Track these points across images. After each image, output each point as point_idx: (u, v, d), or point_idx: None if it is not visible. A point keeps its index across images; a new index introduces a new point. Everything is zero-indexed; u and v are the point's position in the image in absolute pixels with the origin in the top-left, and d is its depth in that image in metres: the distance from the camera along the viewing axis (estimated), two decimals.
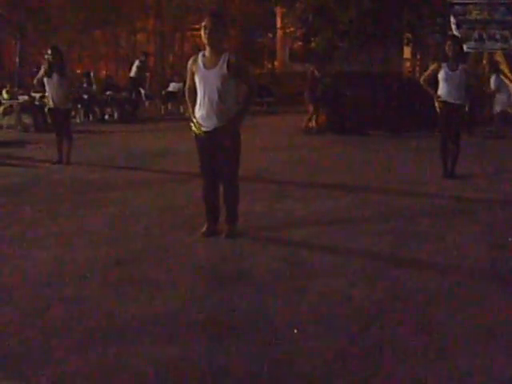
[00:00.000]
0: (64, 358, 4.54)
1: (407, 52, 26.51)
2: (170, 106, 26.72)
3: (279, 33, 35.56)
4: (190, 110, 7.49)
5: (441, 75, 11.11)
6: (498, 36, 20.12)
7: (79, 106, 22.46)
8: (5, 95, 20.87)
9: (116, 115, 23.67)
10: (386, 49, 23.38)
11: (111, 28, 35.59)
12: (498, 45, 20.27)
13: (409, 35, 23.12)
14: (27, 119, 20.53)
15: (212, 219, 7.72)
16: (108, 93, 23.47)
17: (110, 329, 5.05)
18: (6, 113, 20.45)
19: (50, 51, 13.19)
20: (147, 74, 26.43)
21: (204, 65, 7.23)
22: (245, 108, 7.45)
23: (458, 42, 11.71)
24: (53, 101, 13.06)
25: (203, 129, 7.26)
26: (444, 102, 11.07)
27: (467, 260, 6.83)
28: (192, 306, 5.51)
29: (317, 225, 8.31)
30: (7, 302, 5.64)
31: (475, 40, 20.16)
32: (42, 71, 13.30)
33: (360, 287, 5.98)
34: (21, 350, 4.68)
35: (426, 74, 11.50)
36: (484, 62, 19.45)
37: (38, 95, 18.88)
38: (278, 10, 32.36)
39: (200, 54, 7.33)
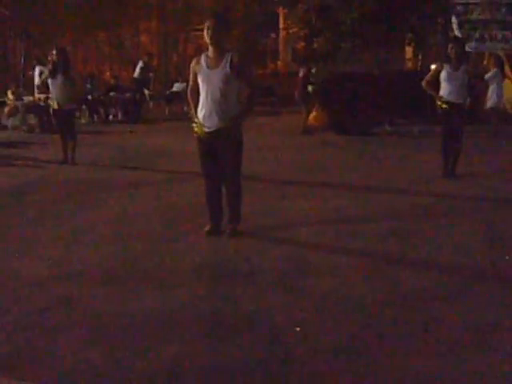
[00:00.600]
0: (67, 357, 4.56)
1: (409, 52, 26.48)
2: (173, 107, 26.70)
3: (282, 33, 35.63)
4: (193, 110, 7.49)
5: (443, 75, 11.11)
6: (499, 36, 20.11)
7: (84, 106, 22.47)
8: (10, 96, 20.87)
9: (120, 116, 23.68)
10: (388, 49, 23.35)
11: (115, 29, 35.59)
12: (500, 45, 20.26)
13: (411, 35, 23.09)
14: (32, 120, 20.53)
15: (215, 219, 7.73)
16: (112, 93, 23.48)
17: (113, 328, 5.07)
18: (11, 113, 20.44)
19: (55, 52, 13.19)
20: (151, 75, 26.39)
21: (207, 65, 7.24)
22: (247, 108, 7.46)
23: (460, 42, 11.71)
24: (57, 101, 13.06)
25: (205, 129, 7.26)
26: (446, 102, 11.06)
27: (468, 259, 6.83)
28: (195, 305, 5.52)
29: (319, 224, 8.32)
30: (12, 301, 5.65)
31: (476, 40, 20.16)
32: (45, 73, 13.30)
33: (361, 286, 5.99)
34: (24, 349, 4.69)
35: (428, 75, 11.47)
36: (485, 62, 19.41)
37: (42, 96, 18.87)
38: (281, 11, 32.42)
39: (203, 55, 7.35)
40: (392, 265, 6.71)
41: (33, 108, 20.28)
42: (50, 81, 13.09)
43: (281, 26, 35.07)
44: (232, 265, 6.66)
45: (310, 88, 19.86)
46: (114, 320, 5.22)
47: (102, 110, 23.41)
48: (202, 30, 7.30)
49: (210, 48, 7.24)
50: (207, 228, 7.68)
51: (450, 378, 4.27)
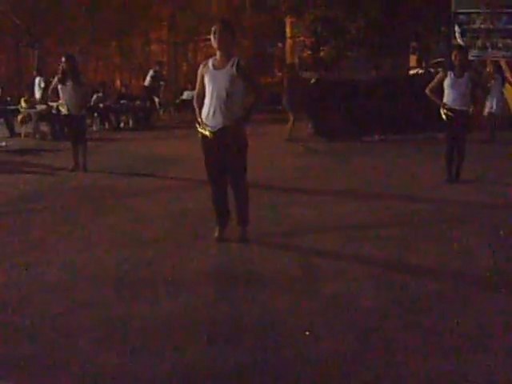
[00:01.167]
0: (82, 360, 4.55)
1: (413, 60, 26.50)
2: (183, 114, 26.70)
3: (289, 42, 35.64)
4: (197, 112, 7.47)
5: (446, 82, 11.10)
6: (500, 44, 20.12)
7: (95, 114, 22.51)
8: (23, 104, 20.92)
9: (131, 123, 23.71)
10: (392, 57, 23.39)
11: (126, 39, 35.68)
12: (501, 53, 20.26)
13: (415, 44, 23.13)
14: (44, 127, 20.56)
15: (223, 223, 7.71)
16: (123, 101, 23.51)
17: (127, 331, 5.05)
18: (24, 121, 20.48)
19: (64, 59, 13.23)
20: (161, 83, 26.46)
21: (214, 66, 7.26)
22: (251, 109, 7.44)
23: (463, 50, 11.70)
24: (67, 108, 13.08)
25: (209, 129, 7.24)
26: (449, 109, 11.05)
27: (473, 264, 6.80)
28: (205, 309, 5.51)
29: (325, 230, 8.30)
30: (28, 306, 5.65)
31: (479, 48, 20.17)
32: (55, 80, 13.33)
33: (368, 291, 5.96)
34: (41, 353, 4.68)
35: (433, 83, 11.46)
36: (487, 69, 19.39)
37: (54, 104, 18.92)
38: (288, 20, 32.43)
39: (211, 59, 7.38)
40: (397, 270, 6.68)
41: (45, 116, 20.31)
42: (60, 87, 13.11)
43: (288, 34, 35.07)
44: (241, 270, 6.65)
45: None
46: (128, 323, 5.21)
47: (113, 118, 23.42)
48: (211, 40, 7.31)
49: (218, 52, 7.25)
50: (216, 233, 7.66)
51: (456, 382, 4.25)
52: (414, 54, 24.64)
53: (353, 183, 11.59)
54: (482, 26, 20.17)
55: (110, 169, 13.49)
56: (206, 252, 7.25)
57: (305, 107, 19.71)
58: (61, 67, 13.22)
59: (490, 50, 20.30)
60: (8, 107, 21.61)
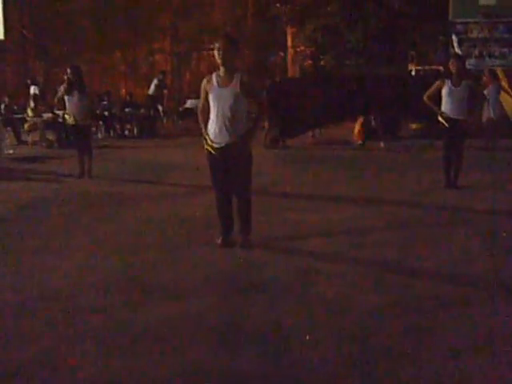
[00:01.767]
0: (86, 365, 4.54)
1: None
2: (186, 122, 26.71)
3: (290, 51, 35.63)
4: (203, 128, 7.49)
5: (444, 91, 11.11)
6: (497, 53, 20.14)
7: (100, 122, 22.52)
8: (29, 113, 20.93)
9: (135, 131, 23.71)
10: (391, 66, 23.42)
11: (131, 49, 35.73)
12: (498, 62, 20.28)
13: (413, 53, 23.16)
14: (51, 136, 20.57)
15: (226, 231, 7.72)
16: (128, 110, 23.52)
17: (127, 337, 5.04)
18: (30, 129, 20.48)
19: (69, 70, 13.24)
20: (165, 92, 26.48)
21: (218, 83, 7.26)
22: (256, 125, 7.47)
23: (460, 59, 11.69)
24: (74, 117, 13.08)
25: (215, 145, 7.27)
26: (447, 117, 11.05)
27: (471, 268, 6.80)
28: (208, 315, 5.50)
29: (325, 235, 8.29)
30: (30, 312, 5.64)
31: (476, 57, 20.19)
32: (61, 90, 13.34)
33: (367, 295, 5.96)
34: (40, 358, 4.67)
35: (430, 90, 11.46)
36: (484, 78, 19.39)
37: (61, 112, 18.93)
38: (289, 30, 32.44)
39: (214, 74, 7.37)
40: (397, 274, 6.67)
41: (51, 124, 20.33)
42: (66, 98, 13.11)
43: (289, 44, 35.10)
44: (243, 275, 6.64)
45: None
46: (131, 328, 5.20)
47: (117, 126, 23.42)
48: (213, 49, 7.31)
49: (221, 68, 7.26)
50: (219, 240, 7.66)
51: None
52: (412, 62, 24.66)
53: (351, 189, 11.58)
54: (479, 35, 20.20)
55: (115, 176, 13.49)
56: (209, 258, 7.25)
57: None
58: (66, 78, 13.23)
59: (487, 58, 20.32)
60: (15, 116, 21.62)
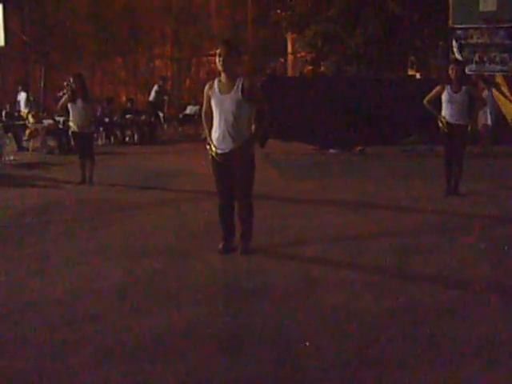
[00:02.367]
0: (85, 372, 4.55)
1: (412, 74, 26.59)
2: (187, 128, 26.72)
3: (290, 57, 35.68)
4: (207, 133, 7.53)
5: (444, 97, 11.12)
6: (497, 59, 20.16)
7: (101, 128, 22.52)
8: (30, 119, 20.93)
9: (136, 137, 23.70)
10: (391, 71, 23.44)
11: (131, 55, 35.75)
12: (498, 67, 20.30)
13: (413, 58, 23.19)
14: (52, 142, 20.59)
15: (228, 236, 7.74)
16: (128, 116, 23.53)
17: (130, 343, 5.06)
18: (31, 136, 20.48)
19: (72, 79, 13.30)
20: (165, 98, 26.49)
21: (220, 90, 7.30)
22: (257, 131, 7.50)
23: (460, 65, 11.71)
24: (76, 125, 13.12)
25: (219, 151, 7.31)
26: (447, 123, 11.07)
27: (471, 274, 6.82)
28: (208, 321, 5.52)
29: (326, 241, 8.31)
30: (29, 319, 5.66)
31: (476, 63, 20.21)
32: (65, 97, 13.39)
33: (368, 301, 5.97)
34: (40, 365, 4.69)
35: (430, 95, 11.48)
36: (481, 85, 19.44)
37: (61, 119, 18.93)
38: (289, 36, 32.48)
39: (216, 80, 7.41)
40: (397, 280, 6.70)
41: (52, 131, 20.35)
42: (69, 105, 13.15)
43: (289, 50, 35.12)
44: (244, 281, 6.65)
45: None
46: (131, 335, 5.21)
47: (118, 132, 23.43)
48: (214, 55, 7.35)
49: (222, 74, 7.30)
50: (220, 246, 7.68)
51: None
52: (412, 68, 24.69)
53: (352, 195, 11.60)
54: (480, 40, 20.21)
55: (116, 182, 13.50)
56: (210, 264, 7.27)
57: None
58: (70, 86, 13.27)
59: (487, 64, 20.33)
60: (16, 122, 21.63)
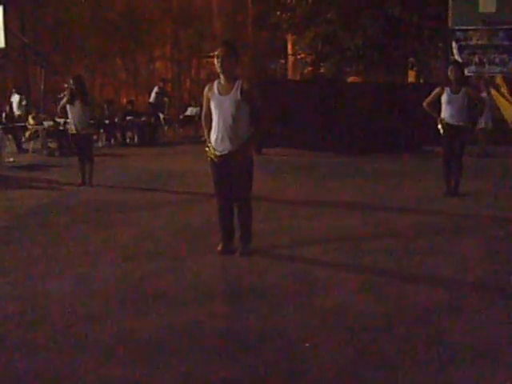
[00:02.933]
0: (88, 372, 4.57)
1: (412, 75, 26.57)
2: (187, 130, 26.71)
3: (290, 59, 35.67)
4: (206, 135, 7.55)
5: (444, 98, 11.14)
6: (497, 60, 20.18)
7: (101, 130, 22.53)
8: (31, 121, 20.94)
9: (136, 139, 23.69)
10: (391, 73, 23.46)
11: (131, 56, 35.75)
12: (498, 68, 20.33)
13: (412, 60, 23.20)
14: (52, 144, 20.61)
15: (227, 238, 7.75)
16: (128, 118, 23.52)
17: (131, 344, 5.06)
18: (31, 137, 20.50)
19: (72, 81, 13.32)
20: (165, 100, 26.46)
21: (219, 92, 7.31)
22: (255, 134, 7.52)
23: (459, 66, 11.72)
24: (75, 127, 13.14)
25: (217, 153, 7.32)
26: (447, 124, 11.08)
27: (471, 274, 6.83)
28: (206, 322, 5.52)
29: (326, 242, 8.32)
30: (30, 320, 5.66)
31: (476, 64, 20.23)
32: (64, 99, 13.41)
33: (367, 303, 5.98)
34: (43, 365, 4.70)
35: (430, 97, 11.49)
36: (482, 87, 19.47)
37: (62, 120, 18.94)
38: (289, 38, 32.47)
39: (215, 82, 7.42)
40: (397, 281, 6.71)
41: (53, 132, 20.37)
42: (68, 107, 13.18)
43: (289, 51, 35.12)
44: (243, 282, 6.68)
45: None
46: (132, 337, 5.23)
47: (118, 134, 23.42)
48: (213, 57, 7.35)
49: (221, 76, 7.31)
50: (219, 247, 7.70)
51: None
52: (412, 69, 24.70)
53: (351, 196, 11.61)
54: (479, 42, 20.23)
55: (116, 184, 13.51)
56: (209, 265, 7.28)
57: None
58: (69, 88, 13.31)
59: (487, 65, 20.35)
60: (16, 124, 21.64)
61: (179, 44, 36.19)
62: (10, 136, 20.71)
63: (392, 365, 4.62)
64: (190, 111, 26.91)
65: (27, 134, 20.78)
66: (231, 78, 7.29)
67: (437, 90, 11.41)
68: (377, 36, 20.75)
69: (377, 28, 20.69)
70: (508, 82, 20.94)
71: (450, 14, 20.43)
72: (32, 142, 20.33)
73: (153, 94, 25.71)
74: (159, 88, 25.81)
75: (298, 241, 8.40)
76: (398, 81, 24.35)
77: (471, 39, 20.30)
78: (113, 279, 6.80)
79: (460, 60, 18.76)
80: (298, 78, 32.41)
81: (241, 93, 7.21)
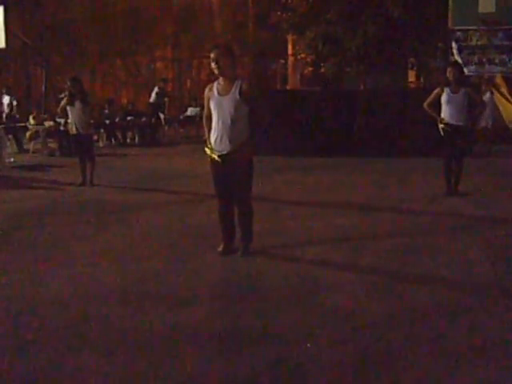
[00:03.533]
0: (86, 373, 4.56)
1: (412, 75, 26.56)
2: (187, 130, 26.71)
3: (291, 59, 35.66)
4: (207, 135, 7.55)
5: (443, 98, 11.14)
6: (497, 60, 20.17)
7: (102, 130, 22.53)
8: (31, 121, 20.95)
9: (137, 139, 23.71)
10: (391, 73, 23.44)
11: (132, 56, 35.74)
12: (498, 68, 20.32)
13: (413, 60, 23.17)
14: (53, 144, 20.62)
15: (228, 238, 7.74)
16: (129, 118, 23.53)
17: (131, 344, 5.06)
18: (32, 138, 20.50)
19: (69, 82, 13.37)
20: (166, 100, 26.44)
21: (218, 92, 7.31)
22: (254, 134, 7.48)
23: (458, 66, 11.74)
24: (75, 127, 13.16)
25: (217, 153, 7.31)
26: (447, 124, 11.08)
27: (472, 274, 6.83)
28: (209, 322, 5.52)
29: (326, 242, 8.32)
30: (33, 320, 5.65)
31: (475, 64, 20.22)
32: (64, 100, 13.44)
33: (369, 302, 5.98)
34: (42, 366, 4.70)
35: (430, 98, 11.49)
36: (482, 87, 19.47)
37: (62, 120, 18.95)
38: (290, 38, 32.46)
39: (215, 83, 7.42)
40: (398, 281, 6.70)
41: (53, 133, 20.38)
42: (68, 108, 13.20)
43: (289, 52, 35.10)
44: (244, 282, 6.67)
45: None
46: (132, 337, 5.22)
47: (119, 134, 23.43)
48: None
49: (220, 77, 7.30)
50: (220, 248, 7.69)
51: None
52: (412, 69, 24.68)
53: (352, 197, 11.60)
54: (479, 42, 20.21)
55: (116, 184, 13.51)
56: (210, 265, 7.28)
57: None
58: (68, 90, 13.36)
59: (486, 65, 20.34)
60: (17, 124, 21.65)
61: (180, 44, 36.21)
62: (10, 136, 20.71)
63: (394, 365, 4.62)
64: (190, 111, 26.93)
65: (28, 134, 20.78)
66: (230, 79, 7.29)
67: (436, 90, 11.42)
68: (377, 36, 20.70)
69: (377, 28, 20.65)
70: (508, 82, 20.93)
71: (450, 14, 20.43)
72: (33, 142, 20.32)
73: (153, 95, 25.69)
74: (159, 88, 25.78)
75: (299, 241, 8.40)
76: (398, 81, 24.35)
77: (471, 39, 20.29)
78: (112, 279, 6.80)
79: (460, 60, 18.77)
80: (298, 78, 32.37)
81: (240, 93, 7.21)
